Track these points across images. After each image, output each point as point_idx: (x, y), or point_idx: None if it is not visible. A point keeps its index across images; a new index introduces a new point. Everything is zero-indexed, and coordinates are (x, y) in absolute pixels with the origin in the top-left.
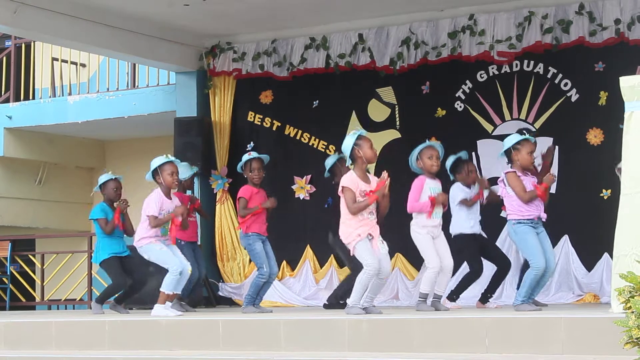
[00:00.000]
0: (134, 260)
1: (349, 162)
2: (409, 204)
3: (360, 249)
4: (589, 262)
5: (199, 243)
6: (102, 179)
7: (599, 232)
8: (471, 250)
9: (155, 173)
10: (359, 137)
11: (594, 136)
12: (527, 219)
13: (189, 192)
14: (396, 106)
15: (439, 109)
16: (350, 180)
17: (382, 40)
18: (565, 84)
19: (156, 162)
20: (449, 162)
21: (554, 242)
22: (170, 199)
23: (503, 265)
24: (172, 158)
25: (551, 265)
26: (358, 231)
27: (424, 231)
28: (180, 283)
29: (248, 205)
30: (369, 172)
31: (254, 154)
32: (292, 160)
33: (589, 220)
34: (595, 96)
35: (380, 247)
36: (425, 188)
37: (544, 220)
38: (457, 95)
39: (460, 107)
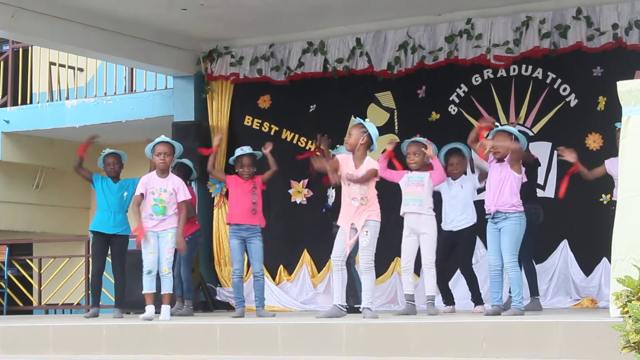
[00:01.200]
0: (123, 241)
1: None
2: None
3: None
4: (588, 267)
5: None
6: (103, 153)
7: (598, 236)
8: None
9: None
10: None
11: (593, 141)
12: (487, 214)
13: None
14: (395, 111)
15: (433, 112)
16: (341, 156)
17: (379, 44)
18: (565, 89)
19: (154, 141)
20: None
21: (554, 246)
22: (167, 177)
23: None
24: (165, 138)
25: (504, 261)
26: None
27: (405, 222)
28: (163, 281)
29: (229, 195)
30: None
31: (246, 150)
32: (289, 165)
33: (588, 225)
34: (594, 101)
35: (361, 239)
36: (406, 178)
37: (491, 212)
38: (451, 99)
39: (454, 110)
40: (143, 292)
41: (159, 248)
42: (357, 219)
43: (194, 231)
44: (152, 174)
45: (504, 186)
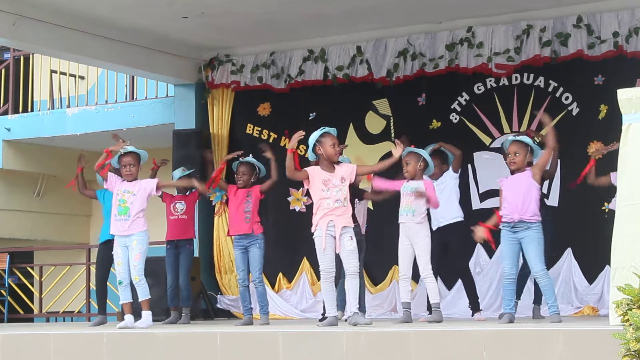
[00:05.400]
0: None
1: (312, 157)
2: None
3: (316, 244)
4: (591, 275)
5: (195, 251)
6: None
7: (601, 245)
8: None
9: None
10: (322, 135)
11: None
12: (505, 222)
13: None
14: (391, 118)
15: (434, 120)
16: (311, 168)
17: (380, 52)
18: (567, 98)
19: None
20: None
21: (557, 255)
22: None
23: None
24: (131, 149)
25: (532, 271)
26: (317, 221)
27: (400, 230)
28: (138, 290)
29: (228, 206)
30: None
31: (244, 159)
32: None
33: (591, 233)
34: (596, 109)
35: (346, 244)
36: (401, 188)
37: (515, 221)
38: (452, 107)
39: (456, 119)
40: (120, 302)
41: (127, 258)
42: (340, 220)
43: (190, 239)
44: (123, 181)
45: (528, 195)
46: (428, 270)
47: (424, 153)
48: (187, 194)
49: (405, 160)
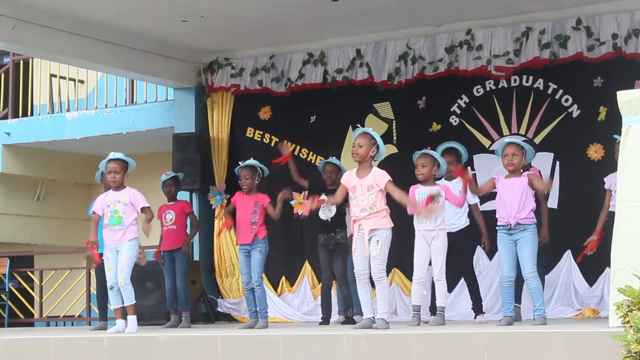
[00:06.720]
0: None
1: None
2: None
3: None
4: (591, 277)
5: (196, 254)
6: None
7: (601, 247)
8: None
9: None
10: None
11: (595, 151)
12: (500, 225)
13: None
14: (394, 121)
15: (434, 123)
16: (345, 175)
17: (379, 55)
18: (566, 100)
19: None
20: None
21: (557, 257)
22: (122, 189)
23: None
24: (115, 155)
25: (523, 272)
26: (352, 224)
27: (418, 235)
28: (124, 294)
29: (236, 211)
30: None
31: (245, 162)
32: (290, 176)
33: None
34: (595, 111)
35: (371, 248)
36: (415, 195)
37: (509, 224)
38: (452, 109)
39: (456, 121)
40: (112, 307)
41: (117, 263)
42: (364, 226)
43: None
44: (109, 191)
45: (523, 199)
46: (442, 274)
47: (439, 157)
48: (172, 202)
49: (420, 162)
